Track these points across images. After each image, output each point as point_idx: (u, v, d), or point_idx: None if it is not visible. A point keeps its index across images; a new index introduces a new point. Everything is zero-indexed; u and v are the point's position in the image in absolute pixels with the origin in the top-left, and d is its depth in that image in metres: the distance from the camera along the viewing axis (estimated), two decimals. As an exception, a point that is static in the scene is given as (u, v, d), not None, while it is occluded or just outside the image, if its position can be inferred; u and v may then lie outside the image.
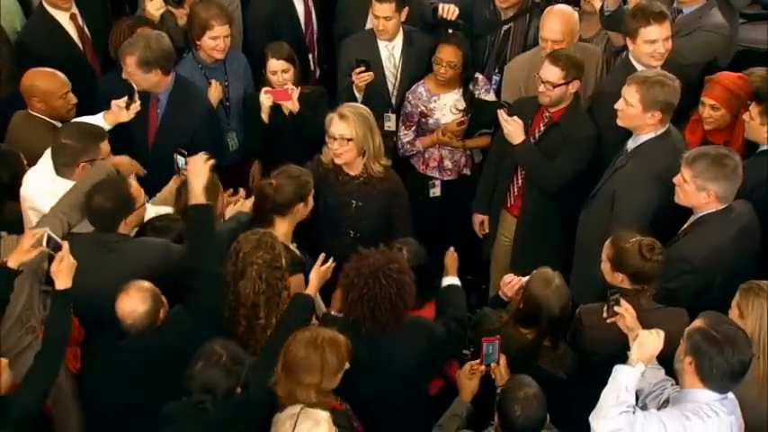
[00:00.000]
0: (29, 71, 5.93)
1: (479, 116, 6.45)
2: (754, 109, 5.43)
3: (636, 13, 5.82)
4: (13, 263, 4.40)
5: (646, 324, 4.41)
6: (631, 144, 5.44)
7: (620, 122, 5.43)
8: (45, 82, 5.84)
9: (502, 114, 5.74)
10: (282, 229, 5.13)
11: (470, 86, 6.43)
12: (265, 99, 6.16)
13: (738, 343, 4.01)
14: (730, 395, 4.09)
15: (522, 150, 5.76)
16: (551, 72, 5.65)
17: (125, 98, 5.62)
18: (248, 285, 4.65)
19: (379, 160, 5.60)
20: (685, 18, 6.36)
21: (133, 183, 4.99)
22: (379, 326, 4.47)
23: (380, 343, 4.50)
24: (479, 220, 6.36)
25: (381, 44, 6.58)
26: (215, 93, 6.34)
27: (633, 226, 4.98)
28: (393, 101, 6.62)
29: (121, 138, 5.71)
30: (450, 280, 5.02)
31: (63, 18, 6.40)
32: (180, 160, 5.33)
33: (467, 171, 6.68)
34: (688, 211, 5.14)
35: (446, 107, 6.46)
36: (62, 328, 4.38)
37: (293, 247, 5.19)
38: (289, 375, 4.22)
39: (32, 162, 5.44)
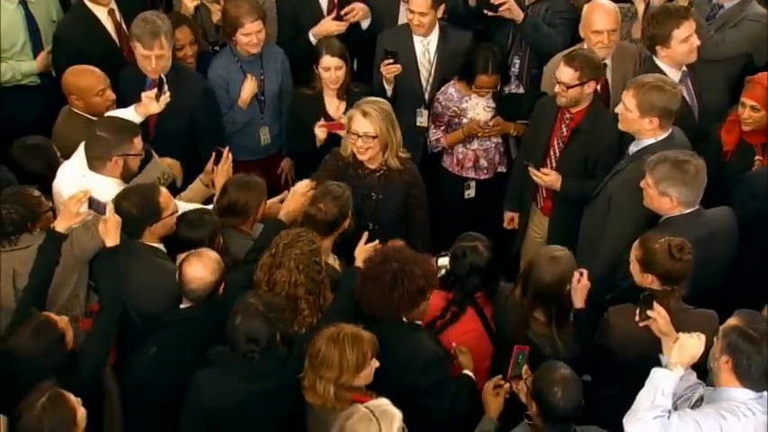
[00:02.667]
0: (68, 69, 5.98)
1: (509, 109, 6.44)
2: None
3: (661, 20, 5.78)
4: (60, 227, 4.64)
5: (675, 325, 4.36)
6: (633, 148, 5.43)
7: (620, 127, 5.43)
8: (82, 79, 5.89)
9: (532, 171, 5.80)
10: (325, 244, 5.13)
11: (503, 90, 6.45)
12: (320, 132, 6.13)
13: None
14: (765, 393, 4.02)
15: (565, 191, 5.82)
16: (565, 73, 5.65)
17: (154, 90, 5.64)
18: (285, 275, 4.67)
19: (398, 153, 5.59)
20: (727, 12, 6.34)
21: (163, 191, 5.00)
22: (369, 307, 4.51)
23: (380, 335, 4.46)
24: (510, 217, 6.39)
25: (416, 39, 6.56)
26: (249, 87, 6.37)
27: (627, 229, 5.02)
28: (426, 96, 6.60)
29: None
30: None
31: (101, 13, 6.44)
32: None
33: (502, 168, 6.65)
34: None
35: (479, 106, 6.44)
36: (116, 285, 4.57)
37: (332, 260, 5.21)
38: (312, 368, 4.29)
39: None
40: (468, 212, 6.62)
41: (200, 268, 4.57)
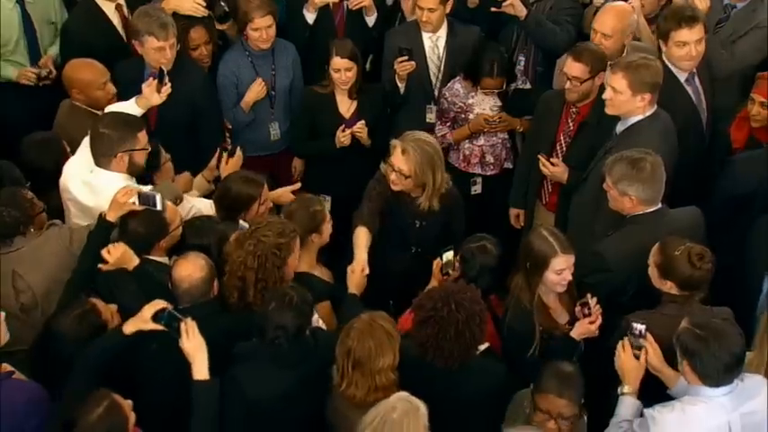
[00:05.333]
0: (69, 62, 6.00)
1: (517, 104, 6.43)
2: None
3: (668, 16, 5.77)
4: (111, 217, 4.83)
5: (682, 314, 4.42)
6: (620, 127, 5.44)
7: (608, 111, 5.43)
8: (83, 72, 5.91)
9: (542, 161, 5.81)
10: (304, 258, 5.08)
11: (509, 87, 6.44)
12: (345, 138, 6.15)
13: (725, 336, 4.04)
14: (740, 387, 4.11)
15: (572, 183, 5.80)
16: (576, 68, 5.67)
17: (155, 81, 5.63)
18: (241, 255, 4.67)
19: (440, 193, 5.39)
20: (740, 13, 6.25)
21: (169, 206, 4.99)
22: (441, 355, 4.36)
23: (445, 378, 4.40)
24: (515, 214, 6.40)
25: (425, 35, 6.55)
26: (255, 90, 6.39)
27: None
28: (435, 93, 6.59)
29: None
30: None
31: (108, 8, 6.44)
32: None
33: (509, 164, 6.64)
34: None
35: (485, 102, 6.43)
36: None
37: (318, 272, 5.20)
38: (364, 370, 4.23)
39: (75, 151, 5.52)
40: (474, 209, 6.53)
41: (188, 267, 4.56)
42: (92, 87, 5.87)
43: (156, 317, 4.35)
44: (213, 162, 5.70)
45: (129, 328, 4.37)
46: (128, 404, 3.99)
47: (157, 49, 5.87)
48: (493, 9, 6.47)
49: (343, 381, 4.29)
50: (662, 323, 4.51)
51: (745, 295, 4.98)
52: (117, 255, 4.71)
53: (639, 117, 5.35)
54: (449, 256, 5.07)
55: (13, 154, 5.60)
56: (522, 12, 6.42)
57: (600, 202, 5.20)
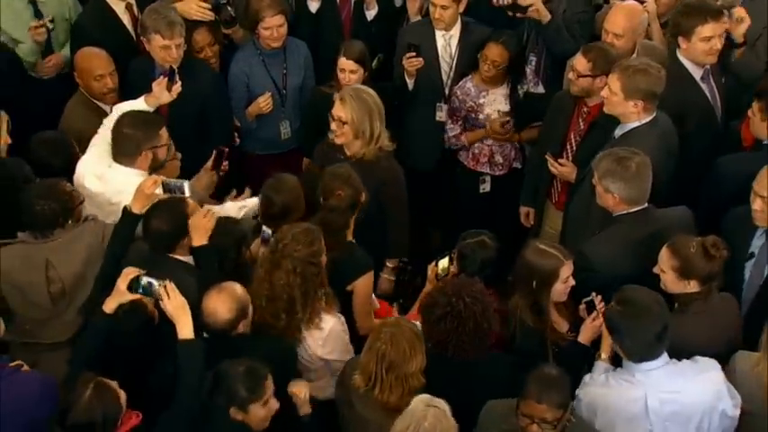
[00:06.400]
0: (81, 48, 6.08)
1: (530, 109, 6.42)
2: (755, 105, 5.31)
3: (690, 11, 5.71)
4: (136, 209, 4.79)
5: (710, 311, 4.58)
6: (618, 131, 5.42)
7: (606, 110, 5.44)
8: (84, 60, 5.99)
9: (551, 161, 5.80)
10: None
11: (518, 87, 6.43)
12: None
13: (646, 313, 4.21)
14: (679, 367, 4.28)
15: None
16: (579, 61, 5.70)
17: (165, 79, 5.63)
18: (282, 277, 4.64)
19: (377, 145, 5.59)
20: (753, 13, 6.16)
21: (190, 203, 4.96)
22: (462, 349, 4.38)
23: (463, 372, 4.41)
24: (525, 212, 6.39)
25: (438, 34, 6.53)
26: (263, 102, 6.40)
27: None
28: (446, 91, 6.58)
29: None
30: None
31: (119, 7, 6.45)
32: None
33: (517, 164, 6.64)
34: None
35: (495, 102, 6.43)
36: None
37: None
38: (399, 374, 4.21)
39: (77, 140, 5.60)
40: (482, 207, 6.62)
41: (218, 304, 4.44)
42: (88, 75, 5.94)
43: (131, 287, 4.31)
44: (208, 164, 5.68)
45: (110, 305, 4.34)
46: (114, 384, 4.00)
47: (163, 48, 5.89)
48: (518, 15, 6.43)
49: (375, 385, 4.24)
50: (697, 323, 4.56)
51: (730, 284, 4.93)
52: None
53: (636, 123, 5.32)
54: (444, 263, 5.05)
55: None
56: (546, 16, 6.39)
57: (591, 203, 5.21)
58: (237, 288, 4.49)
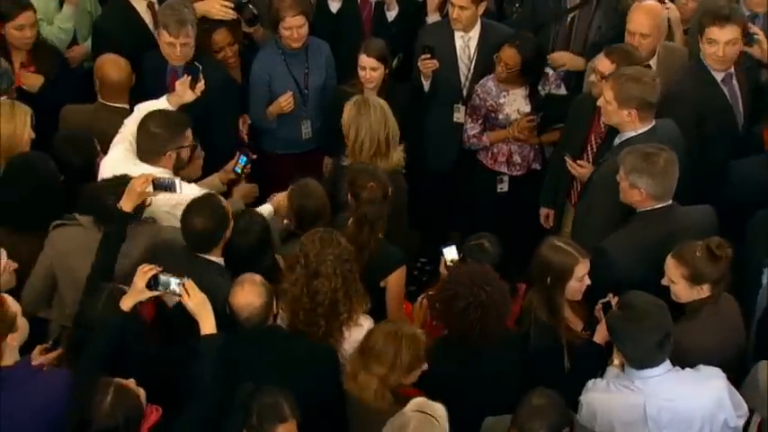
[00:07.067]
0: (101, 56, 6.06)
1: (551, 111, 6.41)
2: None
3: (704, 12, 5.77)
4: (127, 207, 4.70)
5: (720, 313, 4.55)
6: (617, 140, 5.41)
7: (604, 120, 5.46)
8: (103, 67, 5.96)
9: (570, 162, 5.79)
10: None
11: (539, 86, 6.42)
12: None
13: (647, 319, 4.18)
14: (681, 374, 4.25)
15: None
16: (603, 64, 5.66)
17: (188, 78, 5.62)
18: (325, 283, 4.58)
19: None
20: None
21: (222, 199, 4.97)
22: (485, 335, 4.42)
23: (481, 357, 4.47)
24: (545, 213, 6.37)
25: (457, 34, 6.53)
26: (282, 103, 6.37)
27: (602, 218, 5.10)
28: (464, 93, 6.58)
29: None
30: None
31: (140, 6, 6.46)
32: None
33: (536, 166, 6.64)
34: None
35: (516, 102, 6.42)
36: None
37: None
38: (362, 359, 4.31)
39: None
40: (500, 208, 6.61)
41: (247, 295, 4.43)
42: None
43: (150, 285, 4.27)
44: (230, 166, 5.69)
45: (127, 302, 4.28)
46: (132, 383, 3.98)
47: (167, 45, 5.90)
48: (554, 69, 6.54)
49: (349, 365, 4.35)
50: (708, 327, 4.55)
51: (745, 290, 4.95)
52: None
53: (632, 133, 5.29)
54: (453, 254, 5.06)
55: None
56: (581, 66, 6.45)
57: (591, 208, 5.24)
58: (255, 276, 4.50)
